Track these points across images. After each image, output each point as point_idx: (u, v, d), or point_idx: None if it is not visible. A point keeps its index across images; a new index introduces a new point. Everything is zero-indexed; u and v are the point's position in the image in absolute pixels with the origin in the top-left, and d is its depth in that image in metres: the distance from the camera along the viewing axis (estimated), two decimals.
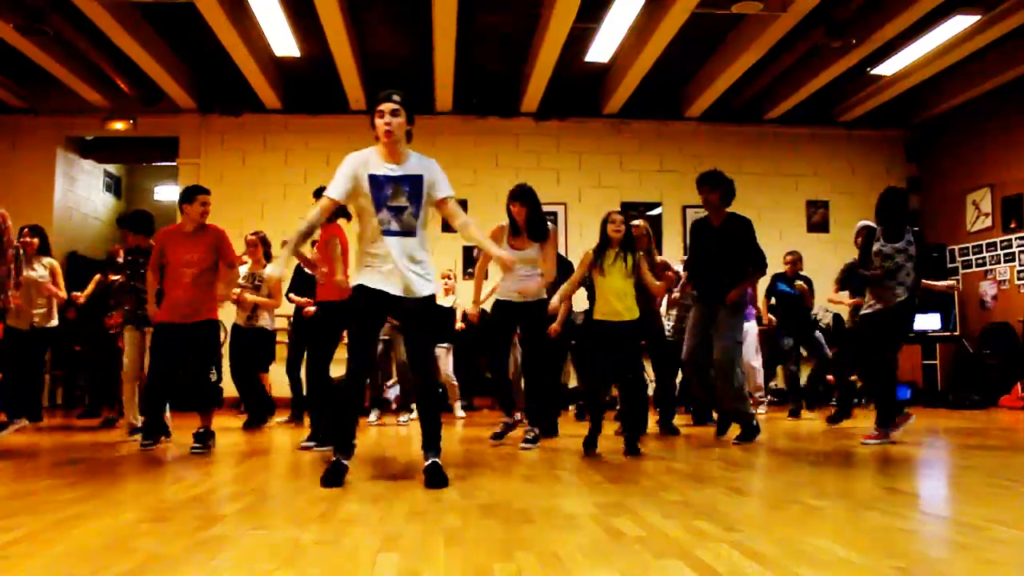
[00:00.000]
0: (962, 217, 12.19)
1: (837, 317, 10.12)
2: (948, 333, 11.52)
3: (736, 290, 6.23)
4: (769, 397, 11.60)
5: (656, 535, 2.77)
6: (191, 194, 6.07)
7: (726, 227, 6.39)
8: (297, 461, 5.21)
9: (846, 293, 8.34)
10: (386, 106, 4.20)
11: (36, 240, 7.66)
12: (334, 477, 3.97)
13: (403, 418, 8.51)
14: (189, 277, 5.93)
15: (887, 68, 10.68)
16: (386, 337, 8.62)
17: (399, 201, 4.22)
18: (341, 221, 6.07)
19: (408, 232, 4.23)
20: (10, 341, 7.34)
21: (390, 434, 7.28)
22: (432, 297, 4.35)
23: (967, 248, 12.05)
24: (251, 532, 2.89)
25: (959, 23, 9.23)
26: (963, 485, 4.30)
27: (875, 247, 6.37)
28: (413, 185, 4.24)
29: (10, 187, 11.52)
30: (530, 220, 6.01)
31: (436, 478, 3.95)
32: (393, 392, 9.66)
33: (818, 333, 9.21)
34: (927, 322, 11.70)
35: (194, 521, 3.15)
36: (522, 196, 6.09)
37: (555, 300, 5.74)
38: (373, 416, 8.53)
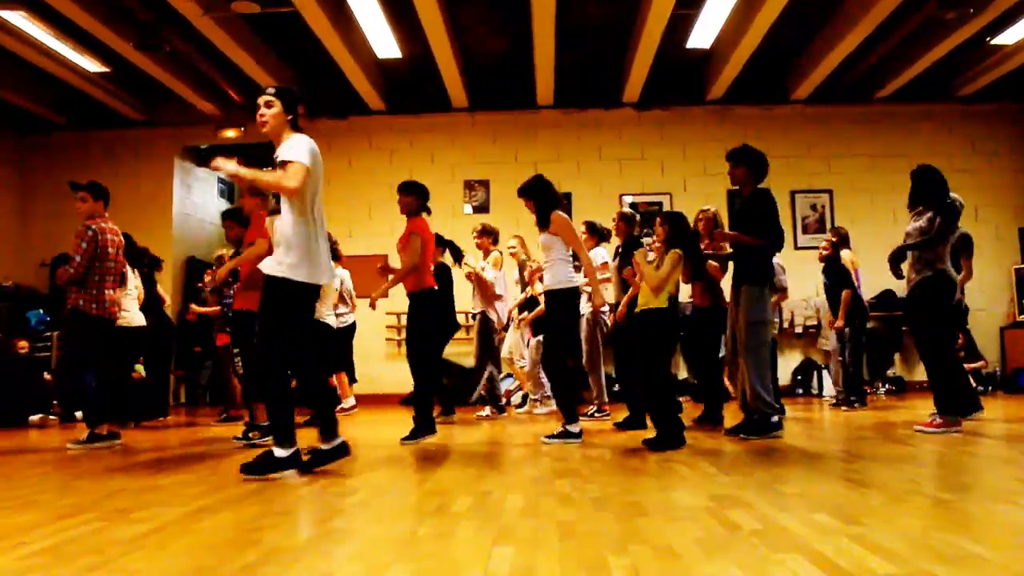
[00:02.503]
0: None
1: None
2: None
3: (731, 234, 6.09)
4: (888, 386, 11.23)
5: (773, 528, 2.70)
6: None
7: (748, 202, 6.16)
8: (406, 456, 5.30)
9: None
10: (261, 99, 4.52)
11: None
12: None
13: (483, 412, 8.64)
14: None
15: (1009, 37, 10.13)
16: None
17: None
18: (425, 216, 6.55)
19: (277, 212, 4.57)
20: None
21: (498, 428, 7.33)
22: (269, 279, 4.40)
23: None
24: (369, 525, 2.95)
25: None
26: None
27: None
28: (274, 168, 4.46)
29: (133, 197, 12.11)
30: (537, 212, 6.10)
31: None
32: (505, 384, 9.71)
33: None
34: None
35: (314, 514, 3.24)
36: (521, 190, 6.22)
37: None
38: (486, 411, 8.58)
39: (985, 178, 12.03)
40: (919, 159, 11.97)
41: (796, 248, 11.86)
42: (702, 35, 10.05)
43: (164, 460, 5.30)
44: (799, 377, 11.49)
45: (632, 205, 7.37)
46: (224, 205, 14.60)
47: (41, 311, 11.16)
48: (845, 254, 8.89)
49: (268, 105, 4.49)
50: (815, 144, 12.23)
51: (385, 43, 10.07)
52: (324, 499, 3.59)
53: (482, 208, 12.16)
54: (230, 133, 12.37)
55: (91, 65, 10.50)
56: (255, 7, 8.87)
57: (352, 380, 9.88)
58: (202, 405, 11.94)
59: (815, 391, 11.21)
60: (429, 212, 6.70)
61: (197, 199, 13.38)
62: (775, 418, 5.88)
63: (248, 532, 2.86)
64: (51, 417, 9.03)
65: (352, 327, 9.45)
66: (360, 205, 12.10)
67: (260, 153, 13.08)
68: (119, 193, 12.20)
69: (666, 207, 11.88)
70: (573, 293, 6.02)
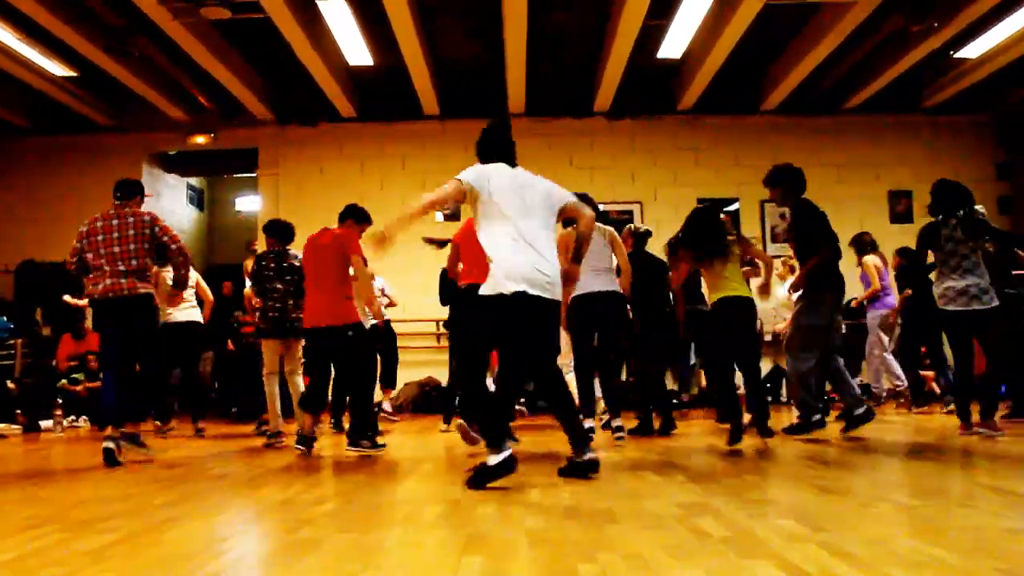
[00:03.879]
0: None
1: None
2: None
3: (796, 277, 6.38)
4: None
5: (742, 535, 2.72)
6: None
7: (793, 217, 6.39)
8: (377, 465, 5.27)
9: None
10: None
11: None
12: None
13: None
14: None
15: (972, 51, 10.30)
16: None
17: None
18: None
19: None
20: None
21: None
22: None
23: None
24: (338, 534, 2.93)
25: None
26: None
27: None
28: None
29: (100, 203, 11.87)
30: None
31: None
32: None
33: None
34: None
35: (282, 524, 3.22)
36: None
37: None
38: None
39: None
40: (887, 169, 12.29)
41: None
42: (673, 45, 10.11)
43: (133, 469, 5.23)
44: (768, 384, 11.54)
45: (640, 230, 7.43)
46: (193, 212, 14.48)
47: (4, 318, 11.00)
48: (868, 259, 9.02)
49: None
50: (784, 154, 12.21)
51: (357, 50, 10.04)
52: (293, 508, 3.56)
53: (453, 216, 12.12)
54: (200, 139, 12.27)
55: (59, 69, 10.37)
56: (226, 13, 8.80)
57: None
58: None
59: (784, 399, 11.27)
60: None
61: (166, 206, 13.24)
62: (816, 416, 6.04)
63: (216, 542, 2.83)
64: (14, 427, 8.87)
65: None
66: (331, 213, 11.94)
67: (228, 159, 13.07)
68: (86, 199, 12.11)
69: (636, 216, 11.94)
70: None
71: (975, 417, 6.08)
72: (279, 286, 6.84)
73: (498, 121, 4.74)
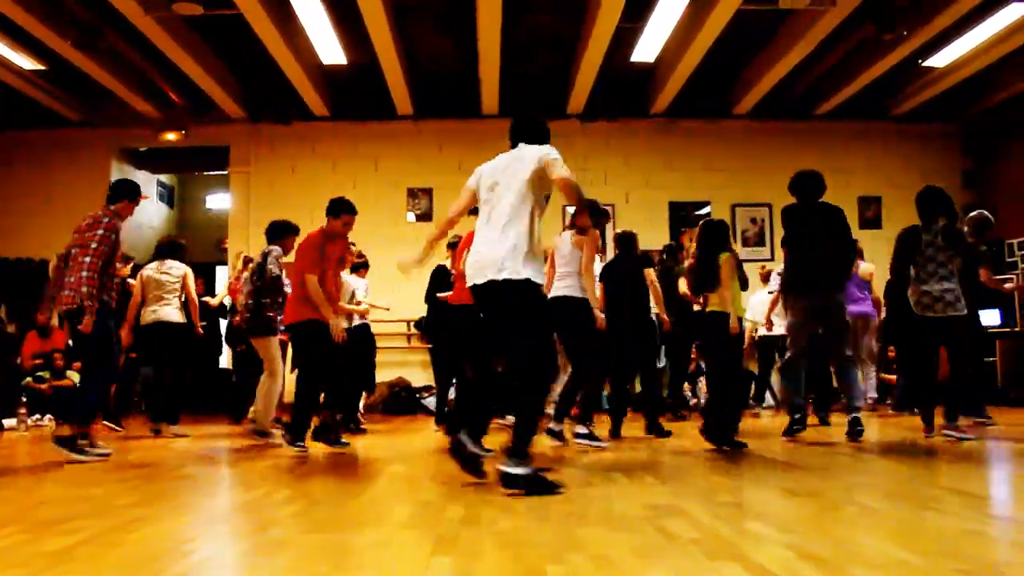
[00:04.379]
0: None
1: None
2: (1008, 329, 11.21)
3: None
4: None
5: (709, 537, 2.74)
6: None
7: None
8: (346, 465, 5.25)
9: None
10: None
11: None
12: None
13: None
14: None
15: (939, 60, 10.46)
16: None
17: None
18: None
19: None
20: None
21: (439, 436, 7.29)
22: None
23: None
24: (306, 535, 2.91)
25: (1014, 11, 9.00)
26: None
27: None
28: None
29: (68, 199, 11.81)
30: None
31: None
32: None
33: None
34: (986, 318, 11.39)
35: (249, 524, 3.19)
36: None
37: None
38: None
39: None
40: (858, 175, 12.42)
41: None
42: (646, 49, 10.16)
43: (96, 469, 5.17)
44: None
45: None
46: (163, 209, 14.33)
47: None
48: (864, 267, 8.97)
49: None
50: (756, 158, 12.43)
51: (330, 49, 10.00)
52: (261, 509, 3.54)
53: (425, 216, 12.14)
54: (170, 136, 12.14)
55: (27, 63, 10.23)
56: (198, 9, 8.73)
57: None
58: (135, 412, 11.65)
59: (751, 402, 11.34)
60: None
61: None
62: (798, 415, 6.33)
63: (182, 543, 2.80)
64: None
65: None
66: (302, 212, 11.91)
67: (199, 156, 12.95)
68: (54, 195, 11.99)
69: (609, 218, 11.97)
70: None
71: (938, 420, 6.20)
72: (248, 288, 6.82)
73: (515, 118, 4.49)
